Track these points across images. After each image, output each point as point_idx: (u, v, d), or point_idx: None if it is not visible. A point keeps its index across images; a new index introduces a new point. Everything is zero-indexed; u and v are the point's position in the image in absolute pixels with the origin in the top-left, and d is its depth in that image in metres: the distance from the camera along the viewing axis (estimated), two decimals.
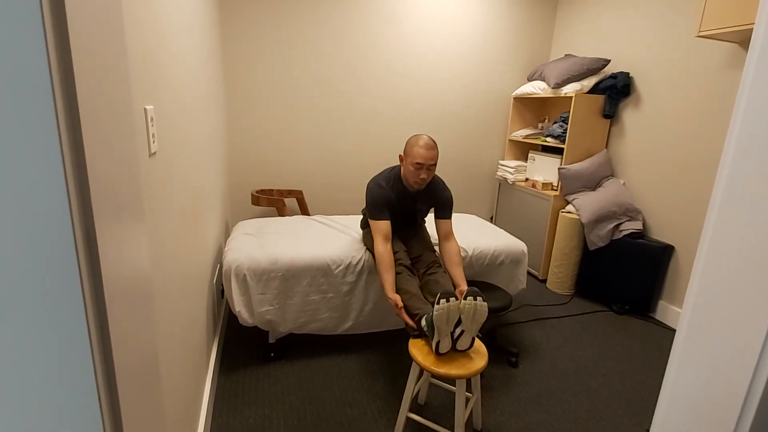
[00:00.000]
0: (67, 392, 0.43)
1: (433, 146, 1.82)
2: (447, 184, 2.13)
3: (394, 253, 1.95)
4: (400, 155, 1.95)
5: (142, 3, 0.92)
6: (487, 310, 1.48)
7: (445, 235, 1.98)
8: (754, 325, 0.51)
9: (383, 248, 1.83)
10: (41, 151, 0.38)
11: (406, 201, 2.01)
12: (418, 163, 1.81)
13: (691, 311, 0.60)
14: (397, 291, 1.87)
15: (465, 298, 1.47)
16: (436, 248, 2.13)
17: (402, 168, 1.93)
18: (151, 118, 0.97)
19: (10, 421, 0.42)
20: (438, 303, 1.45)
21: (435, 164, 1.84)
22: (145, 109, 0.93)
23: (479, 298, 1.47)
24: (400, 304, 1.73)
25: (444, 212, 2.00)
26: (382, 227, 1.87)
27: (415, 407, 1.84)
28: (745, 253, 0.52)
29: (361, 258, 2.10)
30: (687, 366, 0.61)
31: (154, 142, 0.99)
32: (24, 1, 0.35)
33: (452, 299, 1.45)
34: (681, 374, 0.62)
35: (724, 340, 0.55)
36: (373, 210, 1.91)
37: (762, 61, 0.51)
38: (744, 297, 0.53)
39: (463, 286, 1.82)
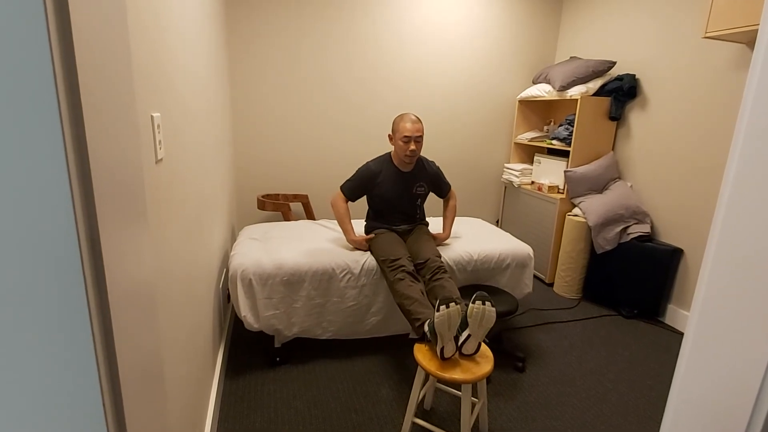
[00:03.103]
0: (71, 398, 0.43)
1: (417, 120, 2.02)
2: (452, 187, 2.27)
3: (397, 259, 1.96)
4: (389, 135, 2.12)
5: (149, 12, 0.94)
6: (495, 315, 1.47)
7: (448, 198, 2.33)
8: (762, 329, 0.51)
9: (342, 202, 2.11)
10: (46, 156, 0.38)
11: (400, 182, 2.13)
12: (405, 137, 2.00)
13: (699, 315, 0.59)
14: (400, 297, 1.88)
15: (473, 302, 1.46)
16: (442, 254, 2.14)
17: (393, 148, 2.11)
18: (158, 125, 0.98)
19: (14, 428, 0.43)
20: (438, 310, 1.44)
21: (421, 136, 2.05)
22: (151, 116, 0.94)
23: (488, 303, 1.46)
24: (363, 238, 2.08)
25: (443, 186, 2.29)
26: (345, 196, 2.14)
27: (420, 412, 1.82)
28: (753, 256, 0.52)
29: (365, 263, 2.10)
30: (695, 371, 0.60)
31: (160, 149, 1.00)
32: (28, 9, 0.36)
33: (452, 305, 1.44)
34: (689, 379, 0.61)
35: (732, 344, 0.54)
36: (349, 182, 2.14)
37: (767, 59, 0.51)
38: (752, 301, 0.52)
39: (447, 233, 2.26)
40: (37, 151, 0.38)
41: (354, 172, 2.15)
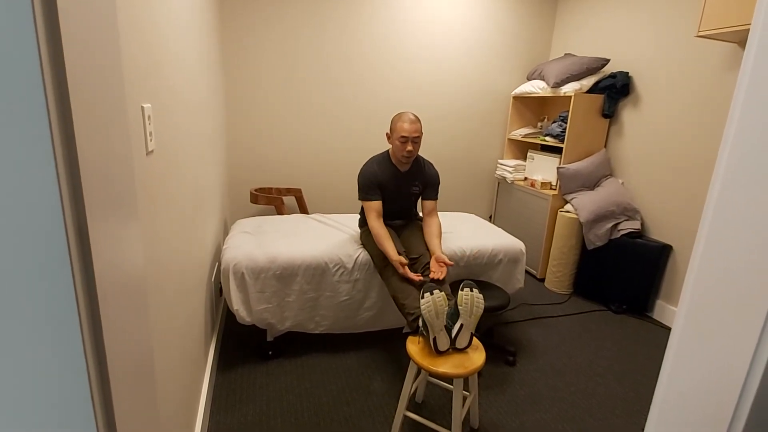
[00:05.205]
0: (60, 392, 0.43)
1: (415, 120, 1.95)
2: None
3: None
4: (387, 133, 2.06)
5: (140, 2, 0.92)
6: (483, 301, 1.50)
7: (429, 212, 2.13)
8: (747, 325, 0.52)
9: (377, 223, 1.98)
10: (33, 148, 0.38)
11: (398, 182, 2.09)
12: (402, 137, 1.94)
13: (686, 311, 0.60)
14: (395, 291, 1.89)
15: (462, 290, 1.48)
16: None
17: (390, 147, 2.06)
18: (149, 117, 0.97)
19: (1, 422, 0.42)
20: (423, 297, 1.45)
21: (419, 137, 1.97)
22: (142, 107, 0.93)
23: (475, 290, 1.48)
24: (405, 261, 1.87)
25: (431, 192, 2.15)
26: (372, 205, 2.01)
27: (412, 406, 1.84)
28: (740, 253, 0.53)
29: (358, 257, 2.10)
30: (681, 366, 0.61)
31: (151, 141, 0.98)
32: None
33: (436, 291, 1.46)
34: (675, 374, 0.62)
35: (718, 340, 0.55)
36: (363, 191, 2.04)
37: (758, 61, 0.51)
38: (738, 297, 0.53)
39: (438, 253, 1.96)
40: (23, 143, 0.37)
41: (359, 178, 2.06)
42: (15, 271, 0.39)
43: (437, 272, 1.88)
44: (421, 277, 1.85)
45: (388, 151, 2.11)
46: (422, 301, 1.45)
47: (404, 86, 3.42)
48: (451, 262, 1.94)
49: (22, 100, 0.37)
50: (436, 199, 2.16)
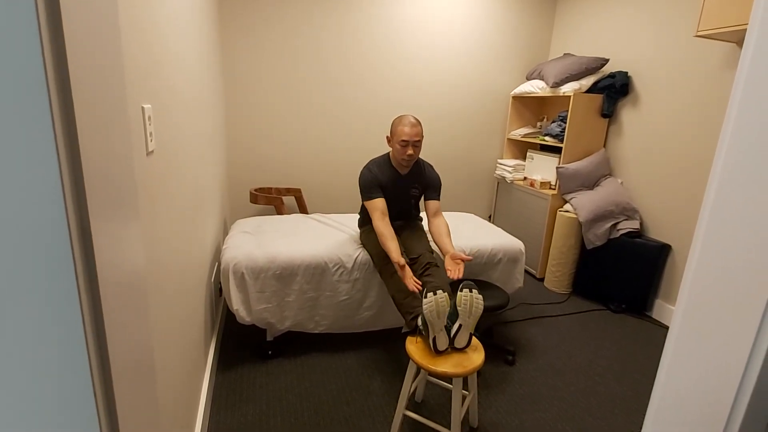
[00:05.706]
0: (62, 391, 0.43)
1: (416, 124, 1.93)
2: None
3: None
4: (387, 136, 2.04)
5: (140, 2, 0.92)
6: (482, 302, 1.50)
7: (434, 213, 2.11)
8: (744, 324, 0.52)
9: (381, 223, 1.93)
10: (37, 150, 0.38)
11: (398, 185, 2.08)
12: (403, 141, 1.92)
13: (683, 310, 0.60)
14: (394, 290, 1.90)
15: (461, 291, 1.48)
16: (434, 250, 2.15)
17: (390, 150, 2.04)
18: (149, 117, 0.97)
19: (6, 420, 0.43)
20: (425, 297, 1.46)
21: (419, 140, 1.95)
22: (142, 107, 0.93)
23: (474, 291, 1.49)
24: (402, 262, 1.83)
25: (433, 193, 2.13)
26: (377, 204, 1.98)
27: (411, 405, 1.84)
28: (737, 252, 0.53)
29: (358, 257, 2.10)
30: (678, 365, 0.61)
31: (151, 141, 0.99)
32: (19, 1, 0.35)
33: (439, 292, 1.46)
34: (672, 373, 0.62)
35: (715, 338, 0.56)
36: (365, 191, 2.02)
37: (755, 60, 0.52)
38: (735, 296, 0.53)
39: (452, 251, 1.91)
40: (28, 145, 0.38)
41: (360, 180, 2.04)
42: (19, 270, 0.40)
43: (453, 271, 1.80)
44: (419, 286, 1.79)
45: (388, 153, 2.10)
46: (425, 300, 1.45)
47: (404, 86, 3.43)
48: (469, 257, 1.87)
49: (26, 101, 0.37)
50: (438, 199, 2.14)
